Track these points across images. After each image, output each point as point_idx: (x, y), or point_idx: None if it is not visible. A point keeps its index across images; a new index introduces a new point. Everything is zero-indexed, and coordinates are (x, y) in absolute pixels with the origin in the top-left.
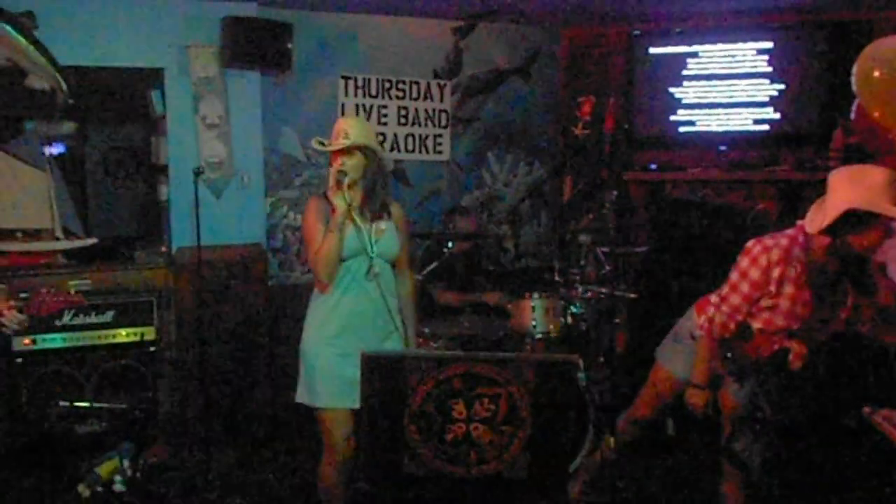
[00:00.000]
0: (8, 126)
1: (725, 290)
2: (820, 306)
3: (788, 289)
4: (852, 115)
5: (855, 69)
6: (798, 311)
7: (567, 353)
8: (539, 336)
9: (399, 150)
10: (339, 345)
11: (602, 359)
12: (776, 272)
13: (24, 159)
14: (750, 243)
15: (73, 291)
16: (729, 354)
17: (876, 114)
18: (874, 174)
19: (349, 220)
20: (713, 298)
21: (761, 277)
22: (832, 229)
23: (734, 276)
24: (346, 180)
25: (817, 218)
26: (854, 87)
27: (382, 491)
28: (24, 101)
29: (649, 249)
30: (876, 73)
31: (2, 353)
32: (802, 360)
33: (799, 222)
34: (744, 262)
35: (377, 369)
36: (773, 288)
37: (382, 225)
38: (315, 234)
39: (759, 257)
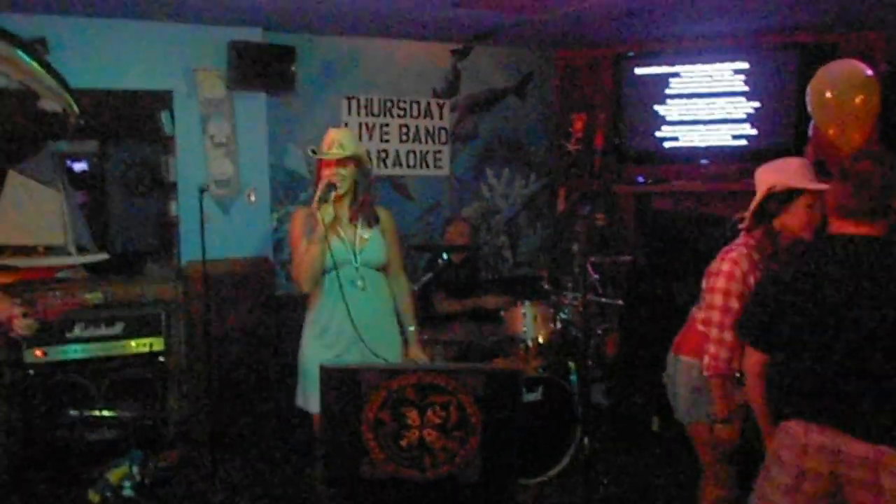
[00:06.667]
0: (23, 147)
1: (716, 315)
2: None
3: None
4: (810, 133)
5: (809, 91)
6: None
7: (559, 359)
8: (530, 342)
9: (401, 166)
10: (334, 353)
11: (591, 362)
12: (751, 279)
13: (38, 178)
14: (716, 263)
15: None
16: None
17: (830, 132)
18: (789, 161)
19: (333, 231)
20: (713, 333)
21: (743, 288)
22: (760, 216)
23: (718, 299)
24: (334, 194)
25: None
26: (809, 108)
27: (342, 495)
28: (38, 123)
29: (635, 258)
30: (828, 95)
31: (15, 365)
32: None
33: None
34: (720, 282)
35: (334, 380)
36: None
37: (366, 234)
38: (300, 245)
39: (734, 270)
